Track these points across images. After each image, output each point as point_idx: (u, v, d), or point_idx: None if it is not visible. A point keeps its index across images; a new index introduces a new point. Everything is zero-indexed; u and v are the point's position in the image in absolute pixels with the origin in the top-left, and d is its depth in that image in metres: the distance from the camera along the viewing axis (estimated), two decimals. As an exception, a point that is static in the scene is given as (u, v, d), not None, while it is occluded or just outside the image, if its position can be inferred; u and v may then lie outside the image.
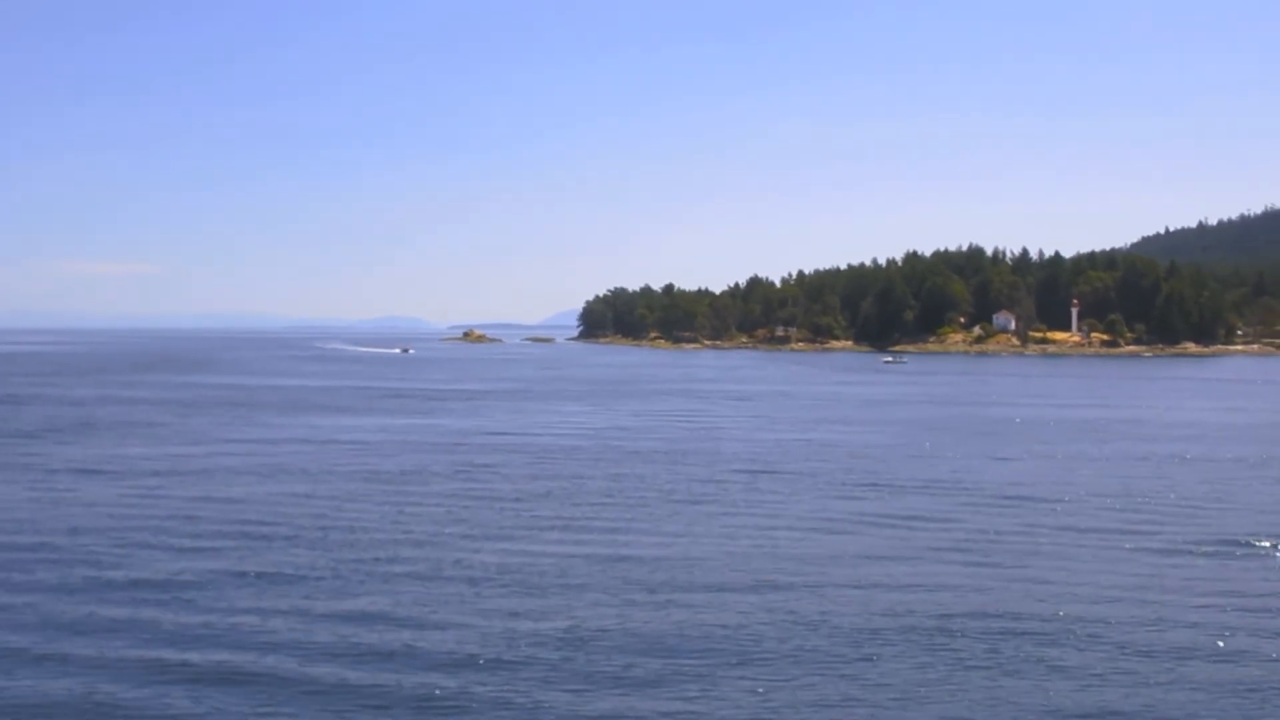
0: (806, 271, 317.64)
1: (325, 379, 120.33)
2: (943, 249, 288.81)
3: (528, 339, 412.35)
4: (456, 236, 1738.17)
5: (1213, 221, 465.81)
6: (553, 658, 18.47)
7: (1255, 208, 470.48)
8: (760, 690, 16.96)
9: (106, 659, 18.35)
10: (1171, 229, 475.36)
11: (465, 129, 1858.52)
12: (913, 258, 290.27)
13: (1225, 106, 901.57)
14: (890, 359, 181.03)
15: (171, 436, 55.43)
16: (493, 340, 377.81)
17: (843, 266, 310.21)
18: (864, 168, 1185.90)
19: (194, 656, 18.44)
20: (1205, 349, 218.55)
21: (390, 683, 17.20)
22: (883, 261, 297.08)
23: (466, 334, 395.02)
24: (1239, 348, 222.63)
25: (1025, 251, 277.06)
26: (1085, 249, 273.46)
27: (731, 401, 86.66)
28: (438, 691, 16.85)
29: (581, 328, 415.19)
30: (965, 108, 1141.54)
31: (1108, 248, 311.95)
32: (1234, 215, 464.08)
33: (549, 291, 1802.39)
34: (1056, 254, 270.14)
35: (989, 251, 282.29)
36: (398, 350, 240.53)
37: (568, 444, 52.92)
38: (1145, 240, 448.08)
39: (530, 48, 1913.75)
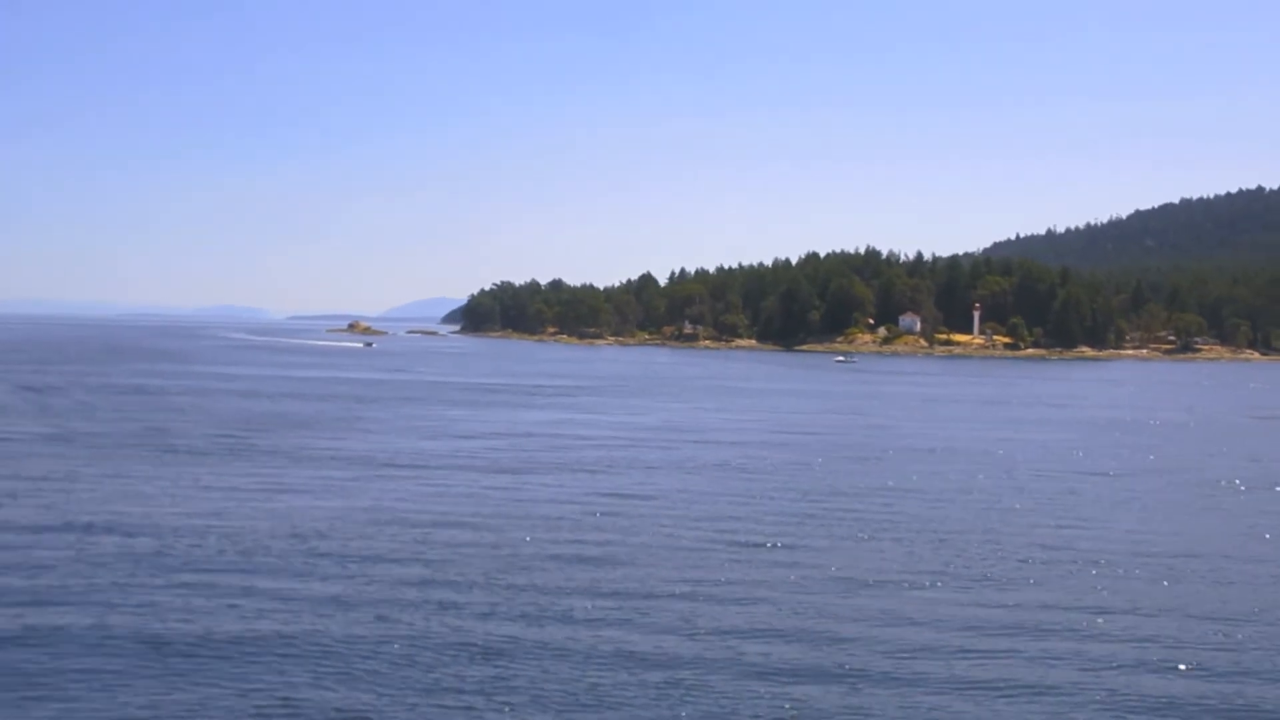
0: (690, 270, 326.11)
1: (365, 372, 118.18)
2: (838, 250, 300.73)
3: (412, 331, 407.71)
4: (290, 228, 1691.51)
5: (1061, 229, 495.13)
6: None
7: (1101, 217, 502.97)
8: None
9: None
10: (1022, 235, 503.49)
11: (305, 122, 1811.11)
12: (813, 259, 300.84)
13: (1070, 116, 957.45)
14: (842, 358, 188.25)
15: (427, 429, 55.54)
16: (378, 333, 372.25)
17: (731, 266, 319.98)
18: (733, 165, 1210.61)
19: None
20: (1100, 352, 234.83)
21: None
22: (777, 261, 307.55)
23: (352, 325, 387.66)
24: (1130, 352, 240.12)
25: (920, 255, 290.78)
26: (931, 253, 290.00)
27: (812, 399, 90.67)
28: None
29: (464, 322, 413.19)
30: (826, 105, 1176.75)
31: (961, 252, 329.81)
32: (1081, 224, 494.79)
33: (387, 284, 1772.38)
34: (954, 257, 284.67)
35: (884, 254, 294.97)
36: (359, 344, 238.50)
37: (817, 441, 55.64)
38: (997, 245, 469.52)
39: (383, 40, 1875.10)
